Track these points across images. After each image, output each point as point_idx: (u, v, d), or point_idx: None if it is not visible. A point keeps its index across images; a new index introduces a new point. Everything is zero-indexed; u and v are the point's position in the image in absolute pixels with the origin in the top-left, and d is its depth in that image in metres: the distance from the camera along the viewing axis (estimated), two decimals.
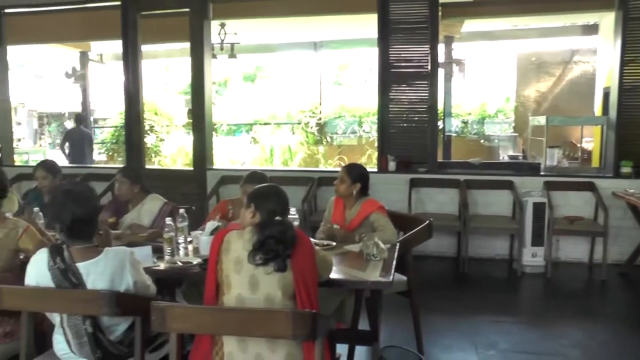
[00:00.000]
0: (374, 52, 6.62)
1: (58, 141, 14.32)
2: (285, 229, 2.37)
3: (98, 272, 2.43)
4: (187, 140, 11.46)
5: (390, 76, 6.42)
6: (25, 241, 2.91)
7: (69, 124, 18.16)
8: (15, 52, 8.46)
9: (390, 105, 6.47)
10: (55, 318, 2.52)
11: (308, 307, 2.32)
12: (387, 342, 3.78)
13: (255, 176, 3.88)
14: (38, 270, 2.46)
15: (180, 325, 2.22)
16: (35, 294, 2.49)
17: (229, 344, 2.32)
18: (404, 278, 3.69)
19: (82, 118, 11.10)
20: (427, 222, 3.78)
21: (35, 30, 8.15)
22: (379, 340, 3.23)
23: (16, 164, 8.83)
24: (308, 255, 2.41)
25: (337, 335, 3.11)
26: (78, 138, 10.37)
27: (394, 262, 3.05)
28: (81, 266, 2.43)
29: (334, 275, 2.73)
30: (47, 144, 19.85)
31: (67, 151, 10.00)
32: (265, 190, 2.59)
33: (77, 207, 2.45)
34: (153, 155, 11.16)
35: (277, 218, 2.43)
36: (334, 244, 3.44)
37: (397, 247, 3.36)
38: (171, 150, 11.52)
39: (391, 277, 2.80)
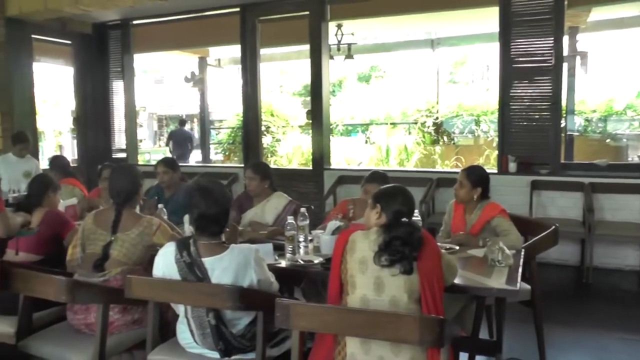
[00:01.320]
0: (491, 48, 6.38)
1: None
2: (412, 230, 2.33)
3: (223, 267, 2.50)
4: (302, 141, 11.68)
5: (511, 72, 6.15)
6: (159, 237, 3.04)
7: (187, 126, 19.33)
8: (139, 60, 8.97)
9: (511, 103, 6.19)
10: (179, 309, 2.62)
11: (434, 312, 2.26)
12: (507, 354, 3.58)
13: (376, 176, 3.86)
14: (165, 262, 2.58)
15: (304, 323, 2.23)
16: (162, 285, 2.61)
17: (352, 345, 2.30)
18: (528, 287, 3.50)
19: (184, 121, 13.18)
20: (553, 227, 3.57)
21: (159, 39, 8.63)
22: (502, 351, 3.10)
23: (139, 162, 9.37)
24: (434, 258, 2.36)
25: (459, 343, 3.01)
26: (180, 138, 12.78)
27: (520, 269, 2.91)
28: (206, 261, 2.52)
29: (456, 280, 2.65)
30: (165, 142, 21.05)
31: (171, 149, 11.69)
32: (392, 191, 2.54)
33: (207, 204, 2.56)
34: (269, 155, 11.43)
35: (404, 219, 2.39)
36: (457, 247, 3.34)
37: (522, 253, 3.21)
38: (287, 150, 11.75)
39: (518, 285, 2.67)
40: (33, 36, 7.55)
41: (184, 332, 2.65)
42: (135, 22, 8.33)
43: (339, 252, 2.43)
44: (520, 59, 6.09)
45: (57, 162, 5.59)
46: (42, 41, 7.91)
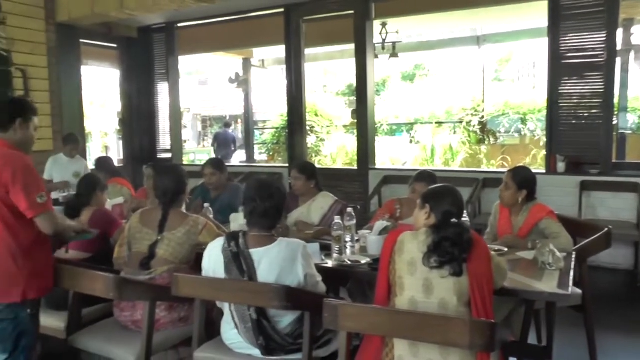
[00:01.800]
0: (538, 44, 6.23)
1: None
2: (461, 231, 2.30)
3: (270, 259, 2.53)
4: (346, 140, 11.66)
5: (560, 68, 5.99)
6: (205, 236, 3.07)
7: (231, 127, 19.81)
8: (183, 61, 9.10)
9: (560, 101, 6.04)
10: (224, 304, 2.66)
11: (483, 315, 2.22)
12: None
13: (425, 175, 3.82)
14: (213, 253, 2.64)
15: (352, 325, 2.23)
16: (209, 283, 2.65)
17: (400, 347, 2.28)
18: (579, 291, 3.41)
19: (228, 123, 14.05)
20: (606, 229, 3.48)
21: (203, 41, 8.73)
22: (552, 357, 3.03)
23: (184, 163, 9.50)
24: (484, 260, 2.32)
25: (508, 348, 2.95)
26: (224, 139, 14.02)
27: (572, 273, 2.84)
28: (254, 252, 2.54)
29: (505, 283, 2.59)
30: (209, 145, 21.38)
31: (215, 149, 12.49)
32: (441, 191, 2.51)
33: (262, 197, 2.60)
34: (313, 155, 11.45)
35: (453, 220, 2.36)
36: (505, 249, 3.27)
37: (573, 256, 3.13)
38: (331, 149, 11.75)
39: (569, 289, 2.60)
40: (81, 41, 7.77)
41: (228, 332, 2.68)
42: (179, 24, 8.46)
43: (387, 253, 2.41)
44: (570, 54, 5.93)
45: (104, 162, 5.72)
46: (90, 45, 8.13)
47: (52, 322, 3.13)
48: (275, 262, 2.53)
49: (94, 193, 3.83)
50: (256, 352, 2.59)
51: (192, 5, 6.52)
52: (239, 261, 2.54)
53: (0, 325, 2.65)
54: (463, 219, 2.53)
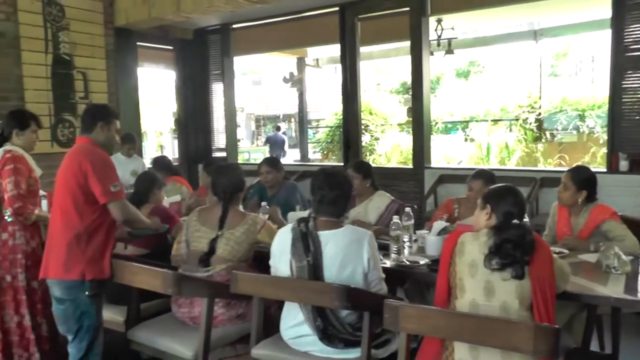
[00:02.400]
0: (598, 37, 6.00)
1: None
2: (523, 232, 2.25)
3: (336, 241, 2.60)
4: (401, 139, 11.60)
5: (624, 61, 5.72)
6: (264, 235, 3.10)
7: (283, 125, 20.40)
8: (238, 62, 9.20)
9: (623, 96, 5.79)
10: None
11: (545, 320, 2.17)
12: None
13: (482, 173, 3.77)
14: (282, 233, 2.75)
15: (413, 326, 2.21)
16: (267, 281, 2.70)
17: (460, 350, 2.26)
18: None
19: (279, 127, 15.61)
20: None
21: (258, 41, 8.77)
22: None
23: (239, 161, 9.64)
24: (547, 262, 2.27)
25: (570, 354, 2.85)
26: (275, 141, 15.48)
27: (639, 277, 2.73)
28: (322, 234, 2.61)
29: (568, 287, 2.51)
30: (262, 144, 21.70)
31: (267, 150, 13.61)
32: (502, 191, 2.45)
33: (330, 186, 2.69)
34: (368, 153, 11.43)
35: (514, 221, 2.31)
36: (566, 251, 3.18)
37: None
38: (385, 148, 11.70)
39: (639, 294, 2.51)
40: (138, 44, 7.98)
41: (287, 330, 2.71)
42: (234, 26, 8.55)
43: (447, 254, 2.39)
44: (635, 46, 5.67)
45: (162, 161, 5.84)
46: (146, 48, 8.32)
47: (111, 315, 3.27)
48: (341, 244, 2.60)
49: (151, 191, 3.88)
50: (315, 348, 2.60)
51: (247, 6, 6.58)
52: (306, 241, 2.61)
53: (63, 305, 2.89)
54: (524, 219, 2.47)
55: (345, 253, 2.58)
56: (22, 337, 3.43)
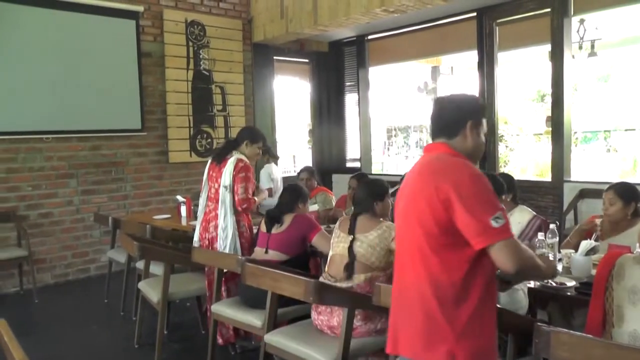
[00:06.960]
0: None
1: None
2: None
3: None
4: (536, 150, 11.04)
5: None
6: None
7: (415, 136, 20.07)
8: (371, 72, 9.20)
9: None
10: None
11: None
12: None
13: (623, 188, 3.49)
14: None
15: (566, 354, 1.98)
16: None
17: None
18: None
19: None
20: None
21: (393, 51, 8.72)
22: None
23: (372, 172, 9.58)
24: None
25: None
26: None
27: None
28: None
29: None
30: (394, 154, 21.49)
31: None
32: None
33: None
34: (503, 165, 11.00)
35: None
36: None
37: None
38: (520, 159, 11.19)
39: None
40: (275, 58, 8.32)
41: None
42: (369, 37, 8.61)
43: (603, 278, 2.20)
44: None
45: (312, 171, 5.99)
46: (283, 62, 8.62)
47: (250, 319, 3.40)
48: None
49: (296, 204, 3.94)
50: None
51: (384, 16, 6.56)
52: None
53: None
54: None
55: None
56: None
